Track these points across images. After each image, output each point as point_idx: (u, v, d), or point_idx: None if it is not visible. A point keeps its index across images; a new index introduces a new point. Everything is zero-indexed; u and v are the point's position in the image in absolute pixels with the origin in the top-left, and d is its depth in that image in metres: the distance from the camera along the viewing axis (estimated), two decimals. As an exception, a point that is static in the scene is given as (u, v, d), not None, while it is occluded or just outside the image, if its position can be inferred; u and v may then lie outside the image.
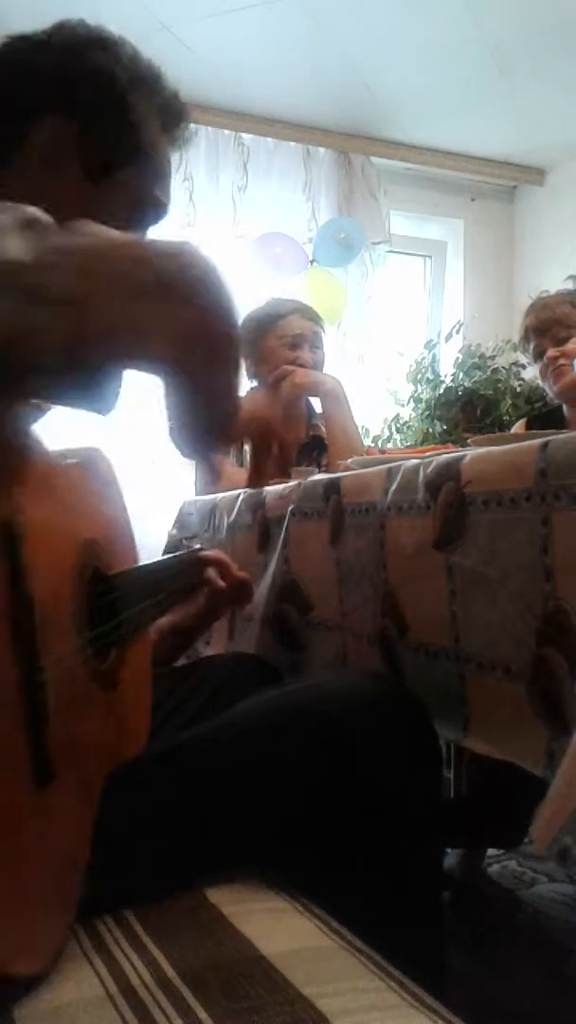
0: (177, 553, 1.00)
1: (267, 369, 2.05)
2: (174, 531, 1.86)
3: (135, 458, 3.03)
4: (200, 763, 0.78)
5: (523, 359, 3.31)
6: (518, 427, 2.24)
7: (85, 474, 0.79)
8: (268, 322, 2.07)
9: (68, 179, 0.78)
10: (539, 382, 2.17)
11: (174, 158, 0.88)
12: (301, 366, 2.01)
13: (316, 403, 2.15)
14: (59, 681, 0.58)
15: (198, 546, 1.09)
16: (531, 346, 2.04)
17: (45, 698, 0.56)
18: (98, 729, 0.70)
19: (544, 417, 2.22)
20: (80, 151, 0.79)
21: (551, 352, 1.97)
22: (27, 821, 0.53)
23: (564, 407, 2.09)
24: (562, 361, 1.94)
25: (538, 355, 2.02)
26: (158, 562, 0.96)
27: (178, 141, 0.87)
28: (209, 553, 1.14)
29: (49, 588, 0.59)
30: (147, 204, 0.84)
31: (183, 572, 1.06)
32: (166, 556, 0.99)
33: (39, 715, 0.55)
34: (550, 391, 2.06)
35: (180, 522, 1.88)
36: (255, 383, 2.16)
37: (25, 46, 0.82)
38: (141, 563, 0.89)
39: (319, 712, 0.79)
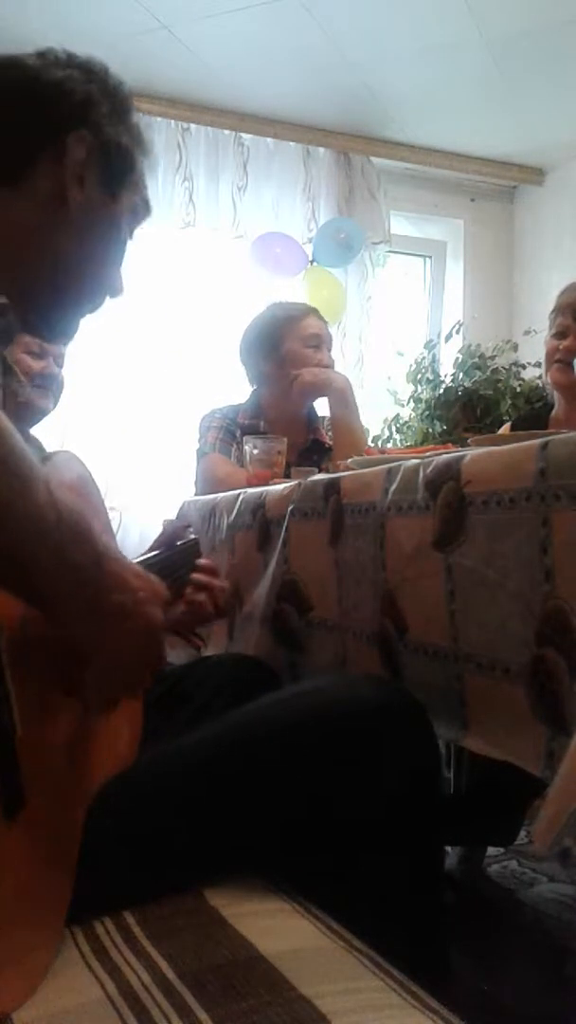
0: (160, 552, 0.97)
1: (285, 372, 2.04)
2: (169, 520, 1.86)
3: (136, 459, 3.03)
4: (201, 767, 0.77)
5: (522, 359, 3.32)
6: (503, 430, 2.23)
7: (58, 475, 0.80)
8: (288, 324, 2.07)
9: (90, 191, 0.85)
10: (541, 367, 2.14)
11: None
12: (323, 366, 2.03)
13: (318, 406, 2.16)
14: (29, 698, 0.58)
15: (194, 536, 1.08)
16: (557, 320, 2.01)
17: (12, 721, 0.55)
18: (79, 743, 0.70)
19: (529, 419, 2.21)
20: (99, 167, 0.85)
21: (568, 343, 1.94)
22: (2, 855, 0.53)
23: (554, 407, 2.08)
24: (568, 358, 1.92)
25: (557, 333, 1.99)
26: (147, 558, 0.94)
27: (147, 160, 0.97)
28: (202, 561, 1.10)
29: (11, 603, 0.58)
30: (141, 210, 0.94)
31: (170, 568, 1.00)
32: (151, 553, 0.97)
33: (6, 744, 0.54)
34: (544, 372, 2.06)
35: (180, 522, 1.88)
36: (256, 386, 2.15)
37: (43, 65, 0.86)
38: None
39: (320, 717, 0.79)
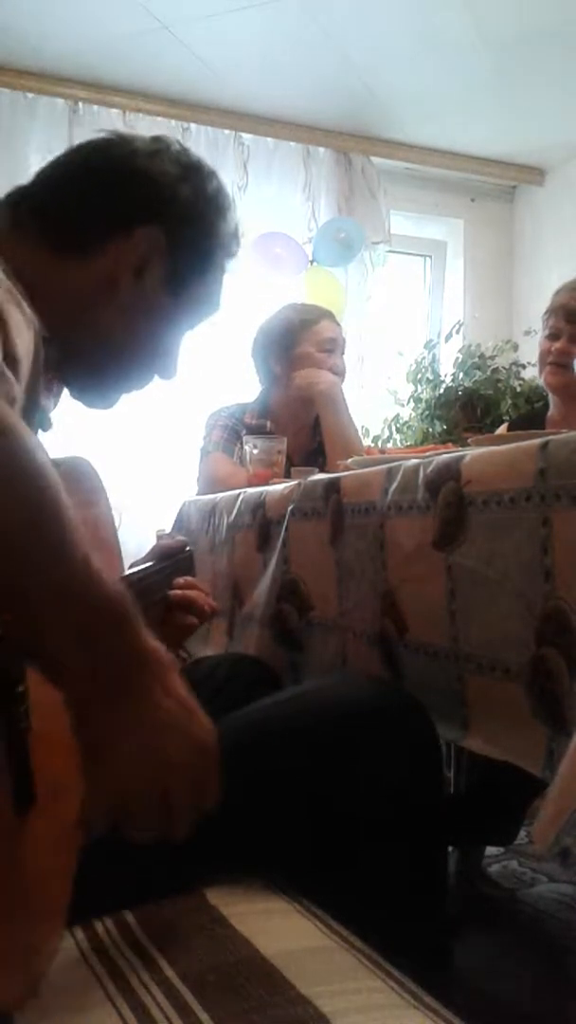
0: (152, 565, 0.96)
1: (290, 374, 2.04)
2: (162, 530, 1.86)
3: (136, 458, 3.03)
4: None
5: (523, 358, 3.31)
6: (502, 430, 2.22)
7: (68, 485, 0.80)
8: (302, 327, 2.06)
9: (148, 286, 0.86)
10: (536, 365, 2.13)
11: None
12: (334, 372, 2.02)
13: None
14: (39, 696, 0.58)
15: (188, 548, 1.07)
16: (550, 321, 1.99)
17: (27, 717, 0.56)
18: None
19: (527, 418, 2.20)
20: (166, 265, 0.86)
21: (560, 345, 1.93)
22: (8, 851, 0.53)
23: (550, 408, 2.08)
24: (561, 360, 1.92)
25: (551, 334, 1.98)
26: (138, 571, 0.93)
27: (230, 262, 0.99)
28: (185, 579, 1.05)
29: None
30: (206, 309, 0.95)
31: (162, 582, 0.98)
32: (144, 566, 0.96)
33: (20, 740, 0.55)
34: (539, 372, 2.05)
35: (180, 522, 1.88)
36: (266, 386, 2.14)
37: (147, 152, 0.87)
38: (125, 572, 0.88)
39: (321, 716, 0.79)
